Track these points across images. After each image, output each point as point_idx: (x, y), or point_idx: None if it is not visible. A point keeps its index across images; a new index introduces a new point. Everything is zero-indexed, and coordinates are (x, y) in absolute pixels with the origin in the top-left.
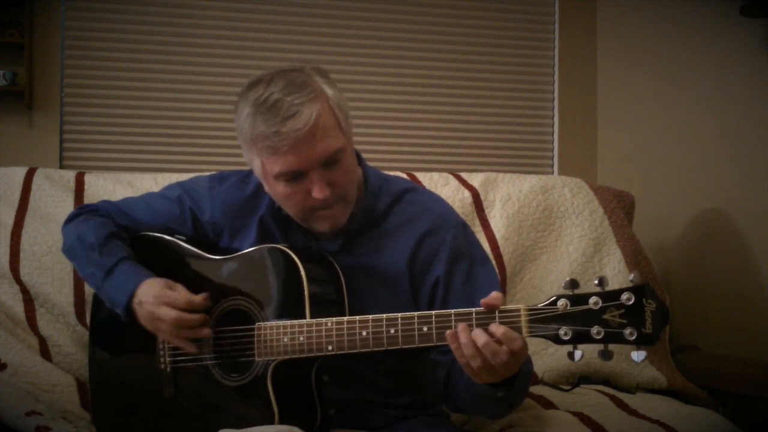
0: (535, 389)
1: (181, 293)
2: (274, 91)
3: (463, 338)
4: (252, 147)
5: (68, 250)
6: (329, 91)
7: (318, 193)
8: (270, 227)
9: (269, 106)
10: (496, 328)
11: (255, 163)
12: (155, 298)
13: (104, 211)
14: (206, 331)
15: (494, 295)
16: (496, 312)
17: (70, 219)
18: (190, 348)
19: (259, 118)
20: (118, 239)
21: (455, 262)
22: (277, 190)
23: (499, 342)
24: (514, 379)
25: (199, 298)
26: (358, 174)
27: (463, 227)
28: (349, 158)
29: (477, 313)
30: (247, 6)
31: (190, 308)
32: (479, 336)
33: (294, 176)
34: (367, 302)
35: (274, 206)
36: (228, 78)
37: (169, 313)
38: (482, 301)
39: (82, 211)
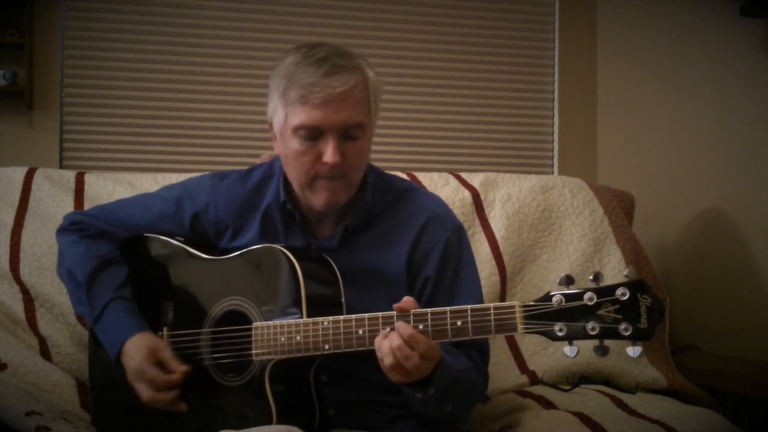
0: (535, 389)
1: (160, 376)
2: (322, 50)
3: (378, 341)
4: (283, 94)
5: (60, 277)
6: (370, 73)
7: (329, 157)
8: (274, 220)
9: (315, 60)
10: (404, 330)
11: (278, 114)
12: (134, 373)
13: (97, 227)
14: (182, 407)
15: (406, 300)
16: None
17: (63, 231)
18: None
19: (302, 67)
20: (107, 268)
21: (445, 265)
22: (290, 146)
23: (408, 344)
24: (429, 382)
25: (177, 375)
26: (366, 166)
27: (459, 230)
28: (366, 142)
29: (472, 310)
30: (247, 6)
31: (168, 387)
32: (393, 337)
33: (312, 134)
34: (365, 301)
35: (278, 199)
36: (228, 78)
37: (144, 393)
38: (395, 305)
39: (75, 226)
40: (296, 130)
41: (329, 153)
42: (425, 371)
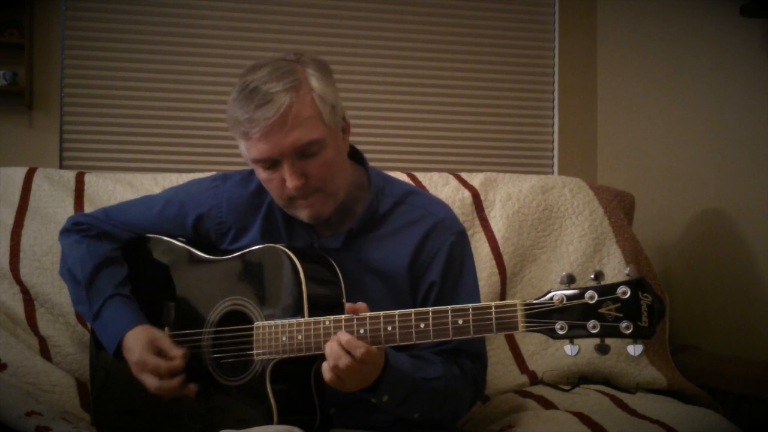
0: (535, 389)
1: (161, 364)
2: (255, 79)
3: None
4: (233, 131)
5: (62, 276)
6: (315, 83)
7: (289, 182)
8: (276, 220)
9: (247, 93)
10: (342, 336)
11: (240, 147)
12: (137, 365)
13: (99, 227)
14: (191, 389)
15: (360, 304)
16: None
17: (65, 232)
18: (188, 393)
19: (237, 104)
20: (107, 267)
21: (449, 269)
22: (259, 175)
23: (344, 350)
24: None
25: (178, 361)
26: (348, 169)
27: (462, 235)
28: (330, 151)
29: (474, 309)
30: (247, 6)
31: (171, 374)
32: (331, 343)
33: (268, 164)
34: (366, 301)
35: None
36: (228, 78)
37: (150, 383)
38: (348, 305)
39: (77, 228)
40: (255, 162)
41: (288, 179)
42: (367, 376)
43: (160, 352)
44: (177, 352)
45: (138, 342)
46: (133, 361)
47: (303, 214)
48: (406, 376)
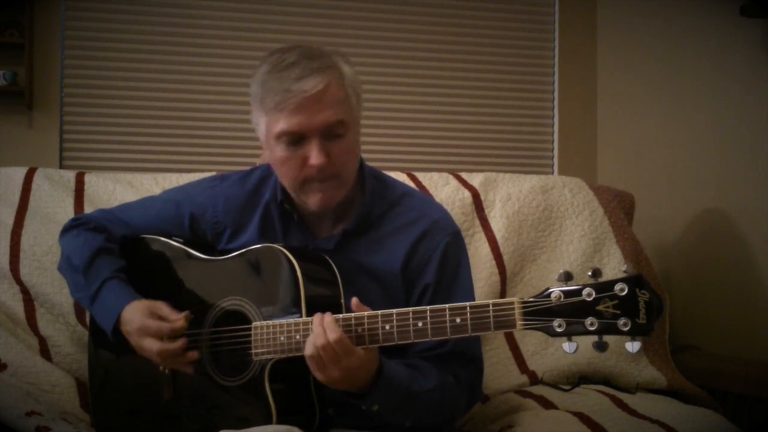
0: (535, 389)
1: (163, 325)
2: (291, 55)
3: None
4: (261, 104)
5: (60, 270)
6: (345, 68)
7: (314, 159)
8: (272, 219)
9: (285, 66)
10: (327, 316)
11: (261, 124)
12: (138, 331)
13: (98, 222)
14: (194, 355)
15: (354, 301)
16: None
17: (66, 230)
18: (187, 369)
19: (274, 76)
20: (105, 255)
21: (444, 270)
22: (276, 153)
23: (323, 328)
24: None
25: (181, 321)
26: (357, 161)
27: (457, 236)
28: (352, 138)
29: (471, 307)
30: (247, 6)
31: (174, 335)
32: (316, 317)
33: (294, 138)
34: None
35: (276, 198)
36: (228, 78)
37: (152, 346)
38: (354, 301)
39: (76, 223)
40: (278, 137)
41: (314, 155)
42: (355, 375)
43: (161, 318)
44: (179, 316)
45: (137, 311)
46: (135, 328)
47: (314, 199)
48: (400, 387)
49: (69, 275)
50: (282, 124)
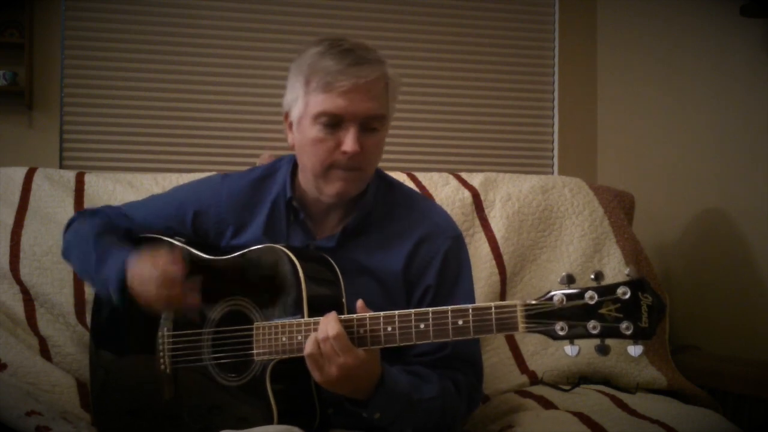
0: (535, 389)
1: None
2: (347, 43)
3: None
4: (307, 82)
5: (66, 249)
6: (389, 71)
7: (349, 145)
8: (278, 216)
9: (341, 51)
10: (331, 314)
11: (298, 102)
12: (145, 270)
13: (104, 214)
14: (193, 299)
15: (359, 303)
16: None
17: (71, 222)
18: (192, 300)
19: (330, 56)
20: (114, 234)
21: (445, 273)
22: (309, 133)
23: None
24: (369, 404)
25: (177, 264)
26: (380, 161)
27: (458, 239)
28: (383, 135)
29: (474, 309)
30: (247, 6)
31: (179, 261)
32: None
33: (333, 121)
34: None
35: (285, 195)
36: (228, 78)
37: (159, 291)
38: (360, 303)
39: (81, 213)
40: (317, 117)
41: (349, 141)
42: (354, 378)
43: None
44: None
45: (143, 254)
46: (140, 270)
47: (333, 187)
48: (401, 395)
49: (75, 245)
50: (326, 104)
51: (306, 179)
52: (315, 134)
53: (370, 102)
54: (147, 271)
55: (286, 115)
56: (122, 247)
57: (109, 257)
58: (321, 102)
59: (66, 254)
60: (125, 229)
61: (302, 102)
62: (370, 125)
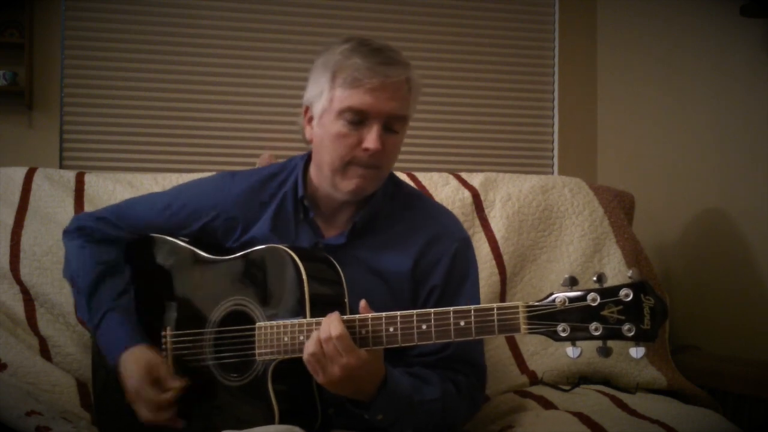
0: (535, 389)
1: (156, 398)
2: (376, 43)
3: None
4: (334, 77)
5: (65, 278)
6: (414, 75)
7: (372, 142)
8: (286, 215)
9: (372, 49)
10: (334, 314)
11: (322, 97)
12: (133, 394)
13: (102, 231)
14: (179, 424)
15: (362, 304)
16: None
17: (69, 233)
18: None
19: (359, 54)
20: (109, 278)
21: (451, 275)
22: (332, 129)
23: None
24: (371, 406)
25: (171, 394)
26: (395, 162)
27: (466, 242)
28: (402, 137)
29: (476, 310)
30: (247, 6)
31: (164, 408)
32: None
33: (357, 117)
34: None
35: (297, 193)
36: (228, 78)
37: (144, 414)
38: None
39: (81, 231)
40: (342, 112)
41: (372, 139)
42: (356, 378)
43: (156, 381)
44: (173, 384)
45: (136, 366)
46: (130, 387)
47: (350, 183)
48: (403, 397)
49: (74, 295)
50: (353, 100)
51: (321, 175)
52: (338, 129)
53: (395, 102)
54: (135, 405)
55: (306, 110)
56: (113, 323)
57: (103, 335)
58: (347, 97)
59: (66, 279)
60: (127, 235)
61: (327, 97)
62: (392, 126)
